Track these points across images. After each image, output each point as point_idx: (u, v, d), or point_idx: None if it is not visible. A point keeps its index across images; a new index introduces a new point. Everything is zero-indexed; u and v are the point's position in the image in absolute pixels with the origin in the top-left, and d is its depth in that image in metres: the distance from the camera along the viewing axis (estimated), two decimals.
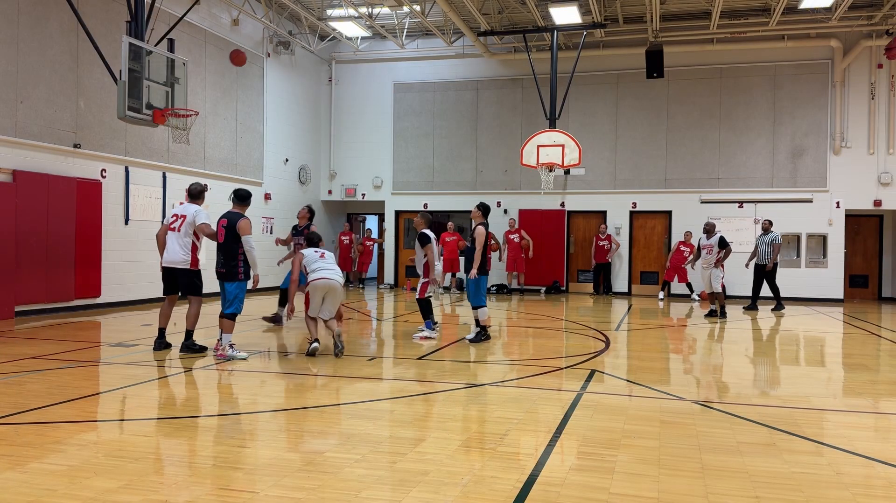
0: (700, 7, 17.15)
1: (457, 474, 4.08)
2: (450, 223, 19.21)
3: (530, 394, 6.31)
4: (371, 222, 24.25)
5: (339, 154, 21.55)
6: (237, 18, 17.10)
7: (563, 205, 19.71)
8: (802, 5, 15.90)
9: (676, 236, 18.48)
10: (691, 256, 17.74)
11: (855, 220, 18.54)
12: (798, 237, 18.14)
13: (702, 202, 18.61)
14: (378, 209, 21.62)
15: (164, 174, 14.79)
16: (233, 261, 7.91)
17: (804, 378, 7.89)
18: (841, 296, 17.98)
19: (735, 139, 18.62)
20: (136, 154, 14.08)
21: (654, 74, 17.60)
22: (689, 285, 17.96)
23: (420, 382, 6.90)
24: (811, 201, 18.14)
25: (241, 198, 8.19)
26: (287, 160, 19.62)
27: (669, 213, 19.01)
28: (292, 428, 5.17)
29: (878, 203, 17.78)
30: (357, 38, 20.20)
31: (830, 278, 18.00)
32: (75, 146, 12.66)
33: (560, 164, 15.89)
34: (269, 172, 18.68)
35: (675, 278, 17.99)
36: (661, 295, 18.12)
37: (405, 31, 19.43)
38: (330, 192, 21.56)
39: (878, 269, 19.15)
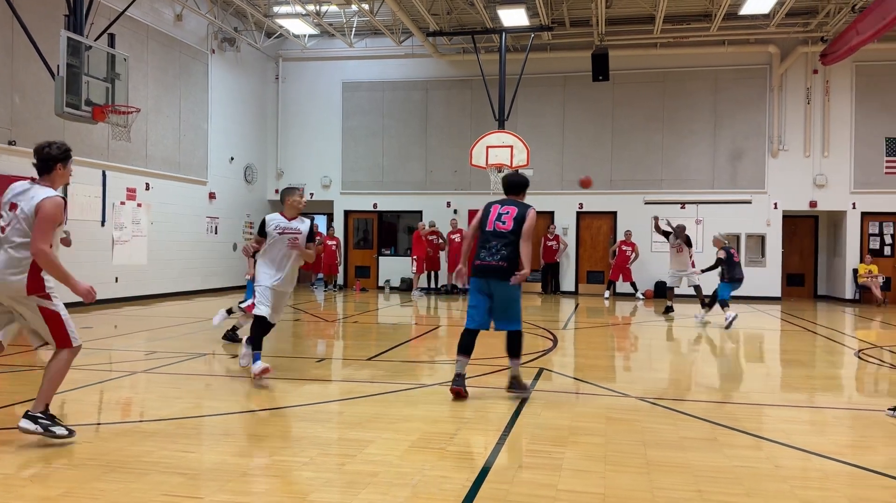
0: (644, 12, 17.51)
1: (407, 475, 4.07)
2: (427, 222, 19.31)
3: (480, 393, 6.34)
4: (320, 222, 24.01)
5: (287, 153, 21.28)
6: (181, 14, 16.72)
7: None
8: (742, 11, 16.39)
9: (622, 237, 18.83)
10: (633, 255, 18.19)
11: (792, 221, 19.20)
12: (738, 237, 18.69)
13: (646, 203, 19.01)
14: (326, 209, 21.42)
15: (103, 172, 14.35)
16: None
17: (744, 374, 8.14)
18: (779, 294, 18.60)
19: (678, 142, 19.08)
20: (74, 152, 13.56)
21: (600, 77, 17.91)
22: (633, 284, 18.34)
23: (370, 383, 6.86)
24: (750, 202, 18.71)
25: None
26: (232, 159, 19.27)
27: (615, 213, 19.37)
28: (238, 432, 5.08)
29: (813, 204, 18.45)
30: (304, 35, 19.98)
31: (769, 277, 18.61)
32: (10, 143, 12.19)
33: (509, 164, 16.03)
34: (213, 171, 18.32)
35: (620, 277, 18.34)
36: (606, 294, 18.44)
37: (353, 29, 19.31)
38: (277, 191, 21.27)
39: (814, 268, 19.89)
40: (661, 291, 18.14)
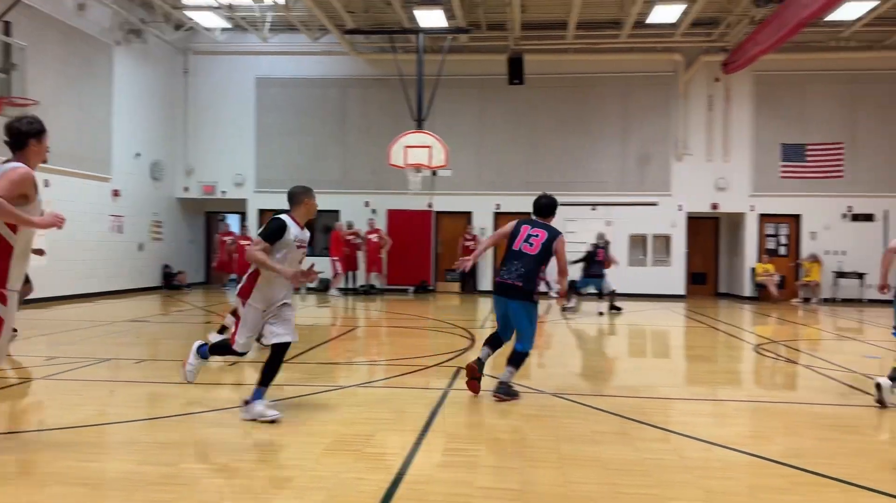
0: (558, 18, 17.91)
1: (322, 478, 4.01)
2: (345, 222, 19.08)
3: (397, 393, 6.32)
4: (232, 221, 23.36)
5: (197, 149, 20.59)
6: (83, 3, 15.90)
7: (430, 205, 19.93)
8: (650, 20, 17.02)
9: None
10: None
11: (695, 222, 20.07)
12: (644, 238, 19.40)
13: (560, 204, 19.40)
14: (240, 208, 20.86)
15: None
16: None
17: (651, 369, 8.44)
18: (683, 292, 19.41)
19: (590, 145, 19.62)
20: None
21: (516, 81, 18.17)
22: (547, 283, 18.72)
23: (284, 386, 6.72)
24: (657, 204, 19.45)
25: None
26: (139, 154, 18.48)
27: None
28: (144, 439, 4.87)
29: (715, 206, 19.36)
30: (217, 29, 19.38)
31: (674, 276, 19.40)
32: None
33: (427, 164, 16.08)
34: (117, 167, 17.51)
35: None
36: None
37: (268, 24, 18.88)
38: (186, 189, 20.56)
39: (715, 268, 20.88)
40: (573, 289, 18.58)
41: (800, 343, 10.94)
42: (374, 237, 18.94)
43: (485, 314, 14.10)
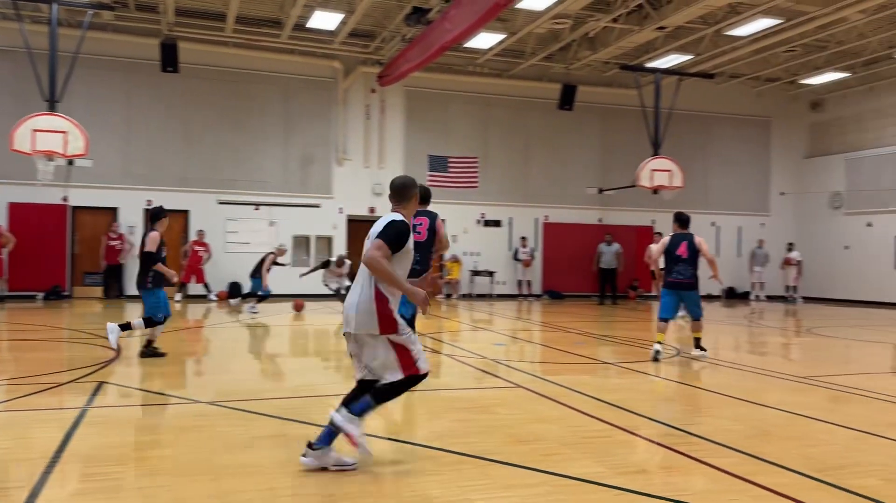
0: (216, 8, 17.21)
1: None
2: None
3: (21, 417, 5.44)
4: None
5: None
6: None
7: (66, 199, 17.61)
8: (309, 24, 17.29)
9: (194, 236, 18.21)
10: (206, 256, 17.81)
11: (355, 224, 20.90)
12: (308, 239, 19.68)
13: (220, 203, 18.74)
14: None
15: None
16: None
17: (313, 369, 8.56)
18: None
19: (251, 143, 19.24)
20: None
21: (170, 69, 17.02)
22: (206, 286, 17.91)
23: None
24: (319, 206, 19.86)
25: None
26: None
27: (187, 212, 18.65)
28: None
29: (372, 210, 20.44)
30: None
31: None
32: None
33: (62, 152, 14.15)
34: None
35: (193, 279, 17.76)
36: (178, 296, 17.64)
37: None
38: None
39: None
40: (235, 292, 18.11)
41: (443, 335, 12.06)
42: None
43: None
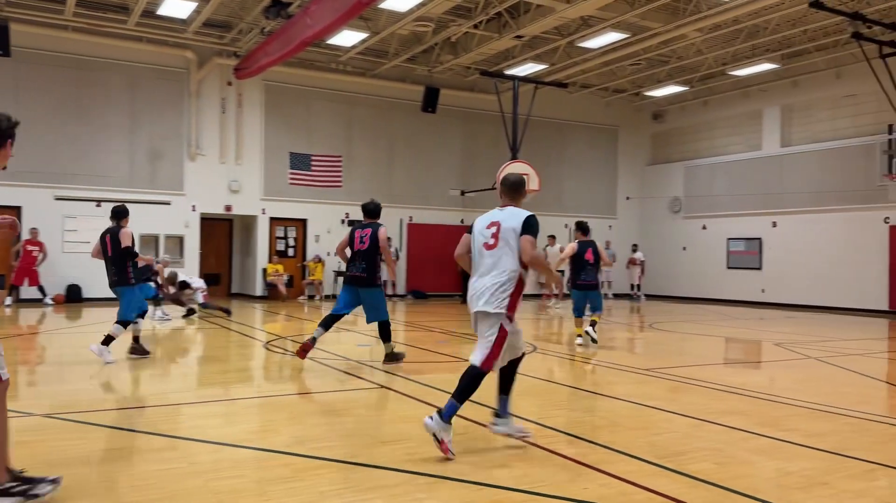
0: None
1: None
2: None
3: None
4: None
5: None
6: None
7: None
8: (160, 12, 16.36)
9: (27, 235, 16.68)
10: (41, 256, 16.39)
11: (209, 223, 20.04)
12: (157, 237, 18.58)
13: (56, 199, 17.29)
14: None
15: None
16: None
17: (161, 376, 8.09)
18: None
19: (92, 135, 17.91)
20: None
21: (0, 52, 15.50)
22: (41, 288, 16.46)
23: None
24: (169, 203, 18.81)
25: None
26: None
27: (20, 208, 17.04)
28: None
29: (228, 208, 19.64)
30: None
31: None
32: None
33: None
34: None
35: (26, 281, 16.27)
36: (8, 300, 16.10)
37: None
38: None
39: (229, 268, 21.23)
40: (74, 295, 16.82)
41: (305, 337, 11.80)
42: None
43: None
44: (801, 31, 17.67)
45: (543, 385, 7.40)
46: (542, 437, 5.12)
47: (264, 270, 20.03)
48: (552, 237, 19.65)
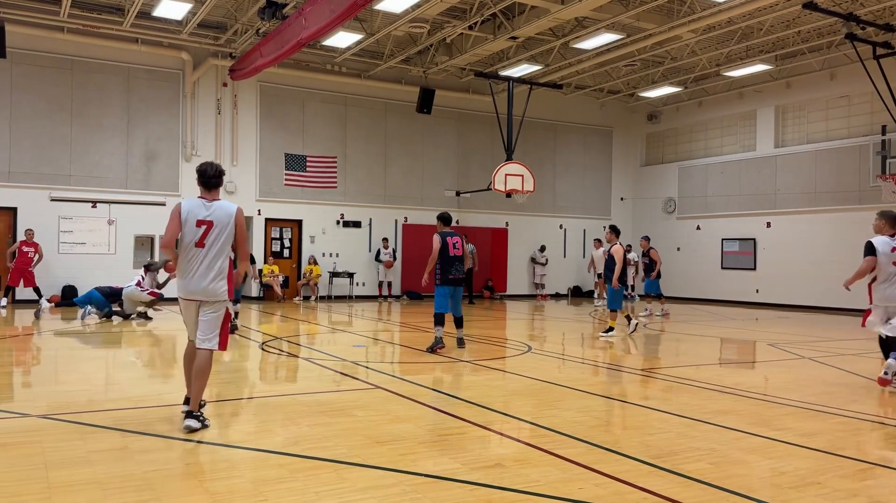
0: None
1: None
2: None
3: None
4: None
5: None
6: None
7: None
8: (155, 13, 16.34)
9: (22, 236, 16.63)
10: (37, 257, 16.32)
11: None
12: (152, 239, 18.52)
13: (52, 200, 17.25)
14: None
15: None
16: None
17: (158, 377, 8.08)
18: None
19: (88, 136, 17.88)
20: None
21: None
22: (37, 290, 16.42)
23: None
24: (164, 204, 18.73)
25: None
26: None
27: (15, 209, 17.01)
28: None
29: None
30: None
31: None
32: None
33: None
34: None
35: (21, 283, 16.23)
36: (3, 302, 16.06)
37: None
38: None
39: None
40: (69, 296, 16.80)
41: (301, 338, 11.81)
42: None
43: None
44: (794, 32, 17.75)
45: (537, 384, 7.43)
46: (537, 437, 5.14)
47: (260, 271, 19.99)
48: (598, 241, 19.76)
